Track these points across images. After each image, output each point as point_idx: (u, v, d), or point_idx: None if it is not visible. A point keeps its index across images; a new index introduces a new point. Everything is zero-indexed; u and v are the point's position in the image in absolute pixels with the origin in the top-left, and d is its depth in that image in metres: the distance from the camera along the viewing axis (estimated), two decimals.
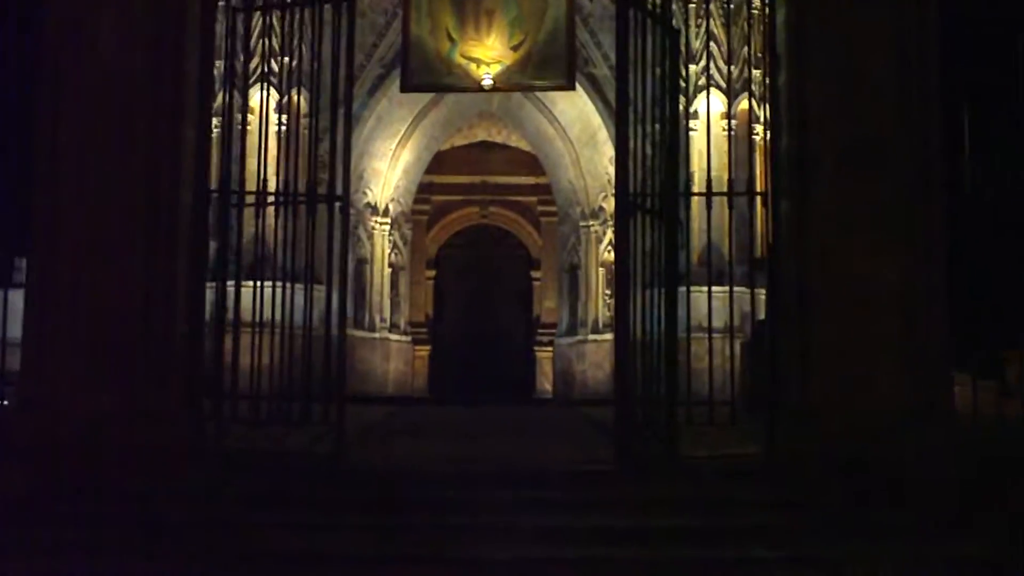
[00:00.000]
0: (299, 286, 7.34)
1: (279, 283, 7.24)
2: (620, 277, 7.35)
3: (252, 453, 6.93)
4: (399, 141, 21.44)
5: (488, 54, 7.41)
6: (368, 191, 21.02)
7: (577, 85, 19.93)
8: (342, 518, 6.38)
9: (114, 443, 6.33)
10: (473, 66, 7.45)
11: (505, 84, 7.49)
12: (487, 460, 8.08)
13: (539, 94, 21.01)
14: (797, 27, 6.92)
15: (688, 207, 8.09)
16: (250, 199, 7.45)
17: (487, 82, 7.34)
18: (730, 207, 7.90)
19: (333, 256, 7.17)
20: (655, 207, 7.37)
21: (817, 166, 6.76)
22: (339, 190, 7.23)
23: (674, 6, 8.22)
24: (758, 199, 8.23)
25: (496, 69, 7.36)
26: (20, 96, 6.88)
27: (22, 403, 6.63)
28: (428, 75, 8.12)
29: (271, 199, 7.47)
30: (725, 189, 8.05)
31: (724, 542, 6.43)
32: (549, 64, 7.24)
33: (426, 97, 20.97)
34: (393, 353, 21.79)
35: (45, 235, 6.60)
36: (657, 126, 7.49)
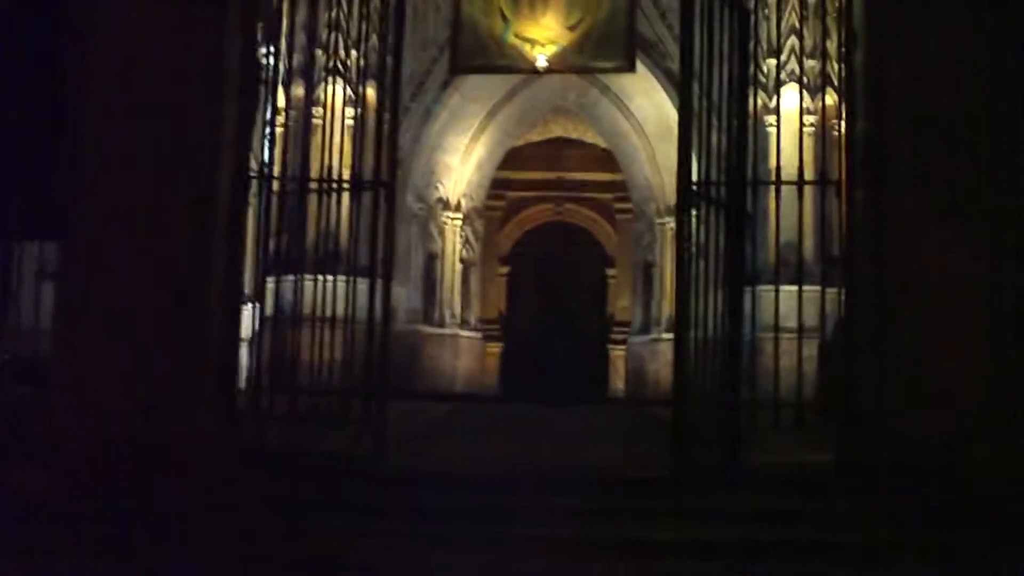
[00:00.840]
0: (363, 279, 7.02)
1: (319, 276, 6.91)
2: (680, 270, 6.89)
3: (286, 452, 6.60)
4: (472, 136, 21.18)
5: (543, 34, 6.94)
6: (440, 186, 20.79)
7: (654, 79, 19.65)
8: (375, 524, 6.01)
9: (137, 437, 6.04)
10: (527, 46, 6.97)
11: (561, 65, 6.98)
12: (540, 464, 7.67)
13: (614, 89, 20.59)
14: (874, 1, 6.38)
15: (757, 199, 7.55)
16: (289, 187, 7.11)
17: (542, 63, 6.87)
18: (800, 197, 7.38)
19: (377, 244, 6.80)
20: (720, 197, 6.89)
21: (894, 151, 6.21)
22: (383, 176, 6.87)
23: None
24: (833, 192, 7.70)
25: (552, 50, 6.88)
26: (52, 80, 6.63)
27: (45, 393, 6.35)
28: (480, 56, 7.69)
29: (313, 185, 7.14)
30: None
31: (789, 558, 5.94)
32: (608, 45, 6.73)
33: (499, 92, 20.69)
34: (463, 350, 21.55)
35: (74, 221, 6.33)
36: (724, 110, 7.02)
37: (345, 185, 7.08)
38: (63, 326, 6.37)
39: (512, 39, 6.99)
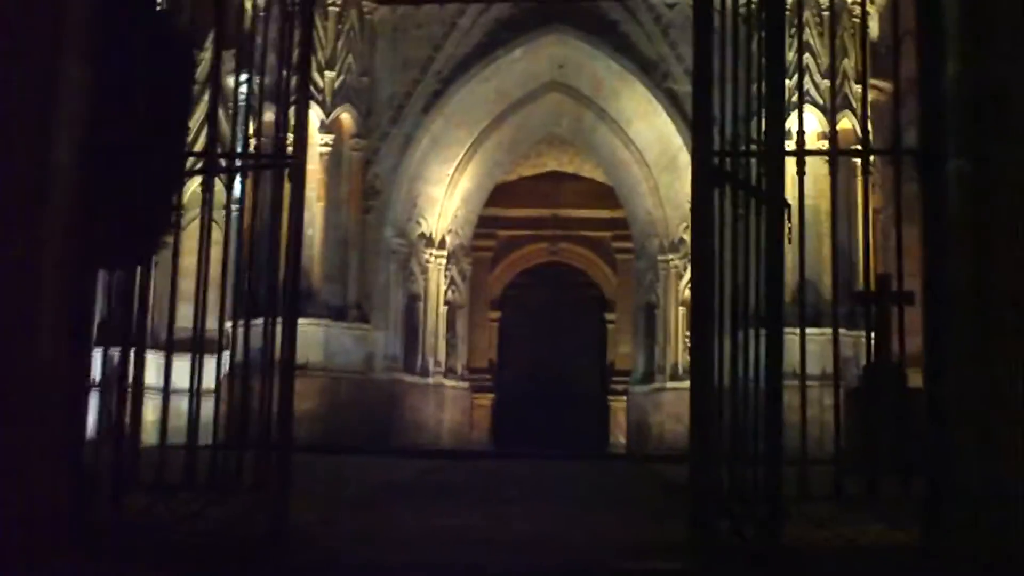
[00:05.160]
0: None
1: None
2: (698, 284, 5.05)
3: (150, 532, 4.70)
4: (457, 166, 19.52)
5: None
6: (422, 220, 19.11)
7: (655, 102, 18.03)
8: None
9: None
10: None
11: None
12: (513, 545, 5.80)
13: (612, 113, 18.93)
14: None
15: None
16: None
17: None
18: (865, 171, 5.55)
19: (279, 236, 4.95)
20: (749, 176, 5.05)
21: (1010, 106, 4.36)
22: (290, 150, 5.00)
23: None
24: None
25: None
26: None
27: None
28: None
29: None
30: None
31: None
32: None
33: (487, 117, 19.05)
34: (448, 401, 19.72)
35: None
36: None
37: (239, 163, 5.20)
38: None
39: None
